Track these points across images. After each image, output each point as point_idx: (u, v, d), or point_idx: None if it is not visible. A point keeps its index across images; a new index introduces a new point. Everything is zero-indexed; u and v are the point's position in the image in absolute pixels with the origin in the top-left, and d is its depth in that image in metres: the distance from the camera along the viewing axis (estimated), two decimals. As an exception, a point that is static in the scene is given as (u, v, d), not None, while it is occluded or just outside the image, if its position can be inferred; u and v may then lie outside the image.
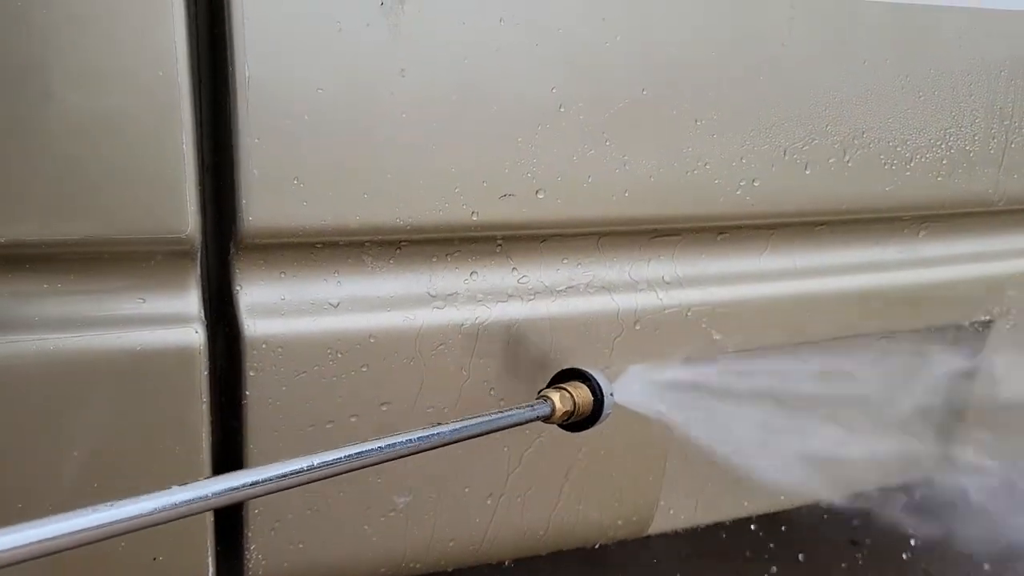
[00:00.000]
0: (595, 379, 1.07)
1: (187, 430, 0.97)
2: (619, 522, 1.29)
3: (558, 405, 1.03)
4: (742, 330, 1.24)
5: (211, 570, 1.04)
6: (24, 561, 0.66)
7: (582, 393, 1.05)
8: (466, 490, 1.16)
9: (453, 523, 1.17)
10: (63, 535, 0.68)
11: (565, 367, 1.10)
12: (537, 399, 1.04)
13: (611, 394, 1.07)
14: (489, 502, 1.18)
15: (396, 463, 1.08)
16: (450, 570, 1.24)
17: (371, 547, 1.13)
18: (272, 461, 1.02)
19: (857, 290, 1.32)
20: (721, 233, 1.22)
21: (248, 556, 1.07)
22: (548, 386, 1.08)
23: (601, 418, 1.07)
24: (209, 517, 1.02)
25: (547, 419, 1.03)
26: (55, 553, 0.68)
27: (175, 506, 0.73)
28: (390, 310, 1.05)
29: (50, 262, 0.91)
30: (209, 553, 1.03)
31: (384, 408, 1.07)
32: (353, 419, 1.05)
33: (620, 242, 1.16)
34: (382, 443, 0.86)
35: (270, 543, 1.07)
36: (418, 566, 1.18)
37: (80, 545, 0.69)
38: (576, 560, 1.80)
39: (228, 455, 1.08)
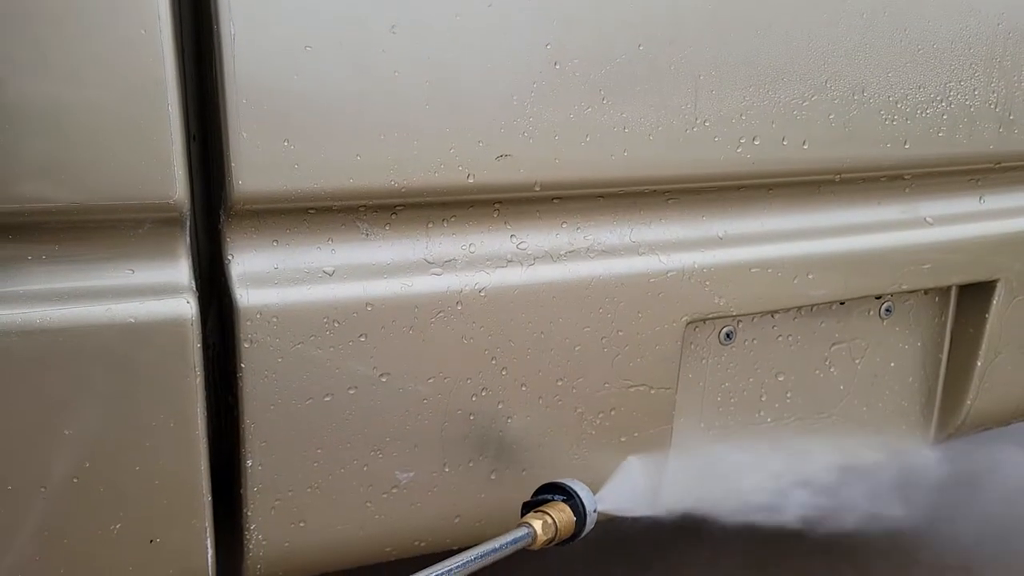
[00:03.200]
0: (578, 497, 1.06)
1: (181, 404, 0.94)
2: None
3: (539, 534, 1.03)
4: (745, 292, 1.21)
5: (210, 551, 1.01)
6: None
7: (563, 517, 1.05)
8: (471, 464, 1.13)
9: (458, 500, 1.14)
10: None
11: (549, 481, 1.10)
12: (520, 525, 1.04)
13: (594, 510, 1.08)
14: (494, 477, 1.15)
15: (394, 438, 1.06)
16: (455, 549, 1.21)
17: (374, 525, 1.10)
18: (269, 437, 1.00)
19: (859, 250, 1.29)
20: (722, 192, 1.19)
21: (248, 535, 1.03)
22: (531, 504, 1.08)
23: (582, 535, 1.08)
24: (206, 497, 0.99)
25: (528, 547, 1.03)
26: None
27: None
28: (387, 277, 1.02)
29: (34, 231, 0.87)
30: (207, 534, 1.00)
31: (384, 379, 1.04)
32: (352, 391, 1.02)
33: (620, 204, 1.14)
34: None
35: (270, 521, 1.04)
36: (423, 544, 1.15)
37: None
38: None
39: (224, 430, 1.05)
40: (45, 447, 0.91)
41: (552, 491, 1.08)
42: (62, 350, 0.89)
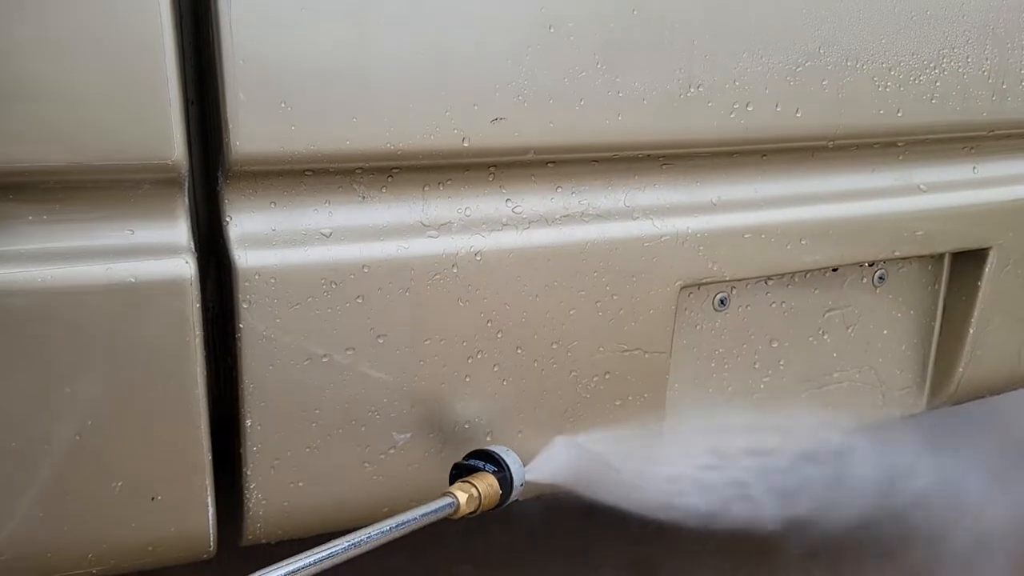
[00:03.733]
0: (508, 470, 1.08)
1: (181, 363, 0.95)
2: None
3: (463, 506, 1.04)
4: (738, 257, 1.22)
5: (210, 509, 1.03)
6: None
7: (490, 491, 1.06)
8: (467, 427, 1.14)
9: (454, 461, 1.15)
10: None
11: (482, 448, 1.11)
12: (444, 495, 1.04)
13: (521, 485, 1.09)
14: (489, 439, 1.17)
15: (391, 399, 1.08)
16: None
17: (372, 485, 1.11)
18: (268, 397, 1.02)
19: (852, 216, 1.30)
20: (715, 158, 1.20)
21: (247, 495, 1.05)
22: (460, 467, 1.09)
23: (504, 506, 1.09)
24: (207, 456, 1.00)
25: (450, 517, 1.04)
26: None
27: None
28: (383, 240, 1.03)
29: (35, 191, 0.89)
30: (208, 492, 1.02)
31: (380, 341, 1.05)
32: (349, 352, 1.04)
33: (614, 169, 1.15)
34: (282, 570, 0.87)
35: (269, 481, 1.05)
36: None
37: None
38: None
39: (223, 393, 1.07)
40: (48, 405, 0.92)
41: (484, 458, 1.09)
42: (63, 309, 0.90)
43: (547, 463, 1.16)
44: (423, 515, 1.00)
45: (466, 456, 1.11)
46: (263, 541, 1.10)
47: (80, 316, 0.91)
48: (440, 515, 1.02)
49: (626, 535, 2.00)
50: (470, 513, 1.05)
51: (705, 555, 2.00)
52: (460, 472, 1.09)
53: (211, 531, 1.04)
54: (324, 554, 0.90)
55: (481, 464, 1.08)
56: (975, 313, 1.49)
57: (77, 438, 0.94)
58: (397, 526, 0.97)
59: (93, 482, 0.97)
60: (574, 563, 2.00)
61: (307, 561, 0.88)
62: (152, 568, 1.06)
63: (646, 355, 1.22)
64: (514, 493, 1.09)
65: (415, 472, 1.13)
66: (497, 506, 1.08)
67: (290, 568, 0.87)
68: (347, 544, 0.92)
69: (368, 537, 0.94)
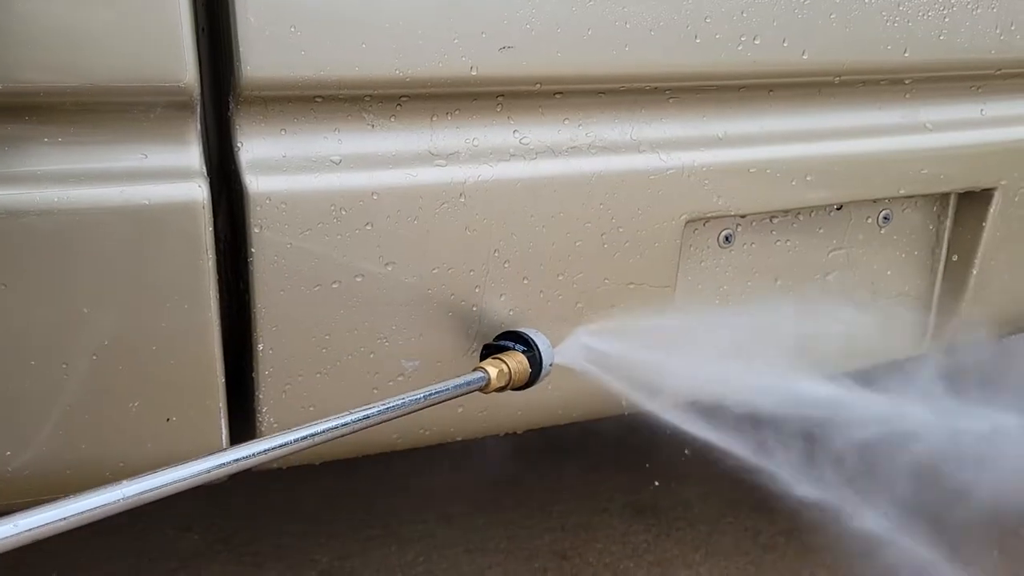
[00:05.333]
0: (537, 350, 1.11)
1: (194, 286, 0.97)
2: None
3: (493, 380, 1.07)
4: (743, 192, 1.23)
5: (224, 431, 1.05)
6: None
7: (520, 368, 1.09)
8: (474, 355, 1.17)
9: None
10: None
11: (511, 329, 1.14)
12: (476, 369, 1.08)
13: (551, 364, 1.12)
14: (496, 369, 1.19)
15: (400, 326, 1.10)
16: (459, 439, 1.25)
17: (381, 411, 1.14)
18: (279, 322, 1.04)
19: (858, 153, 1.31)
20: (722, 92, 1.21)
21: (260, 418, 1.08)
22: (491, 348, 1.13)
23: (534, 386, 1.12)
24: (220, 378, 1.03)
25: (481, 390, 1.08)
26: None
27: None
28: (392, 168, 1.05)
29: (51, 113, 0.90)
30: (221, 414, 1.04)
31: (389, 268, 1.07)
32: (358, 279, 1.06)
33: (621, 101, 1.15)
34: (315, 429, 0.91)
35: (281, 405, 1.08)
36: (428, 433, 1.20)
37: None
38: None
39: (235, 318, 1.09)
40: (65, 324, 0.95)
41: (515, 339, 1.12)
42: (79, 230, 0.92)
43: (575, 347, 1.19)
44: (455, 386, 1.03)
45: (497, 336, 1.14)
46: (274, 465, 1.13)
47: (95, 238, 0.93)
48: (472, 387, 1.05)
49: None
50: (499, 389, 1.09)
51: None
52: (490, 351, 1.13)
53: (225, 453, 1.06)
54: (361, 415, 0.94)
55: (511, 344, 1.11)
56: (979, 254, 1.50)
57: (94, 358, 0.97)
58: (429, 395, 1.00)
59: (110, 402, 0.99)
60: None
61: (347, 419, 0.93)
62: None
63: (651, 289, 1.23)
64: (543, 373, 1.12)
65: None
66: (526, 385, 1.11)
67: (332, 424, 0.92)
68: (383, 407, 0.96)
69: (402, 403, 0.98)
